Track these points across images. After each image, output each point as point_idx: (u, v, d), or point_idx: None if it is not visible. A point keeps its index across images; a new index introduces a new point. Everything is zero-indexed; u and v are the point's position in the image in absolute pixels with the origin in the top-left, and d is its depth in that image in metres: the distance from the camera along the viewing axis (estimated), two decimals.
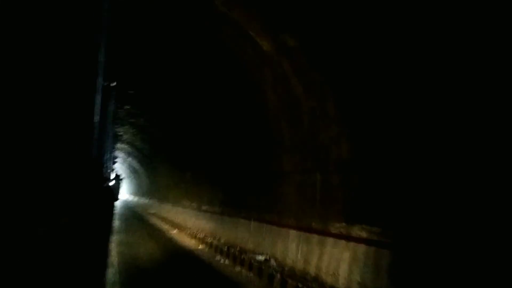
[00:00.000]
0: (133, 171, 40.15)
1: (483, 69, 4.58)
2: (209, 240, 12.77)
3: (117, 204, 38.43)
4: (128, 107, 18.71)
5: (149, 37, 11.31)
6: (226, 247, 11.22)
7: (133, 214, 29.50)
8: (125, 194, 57.00)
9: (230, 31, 8.60)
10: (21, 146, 0.95)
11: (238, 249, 10.78)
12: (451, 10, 4.72)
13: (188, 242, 13.90)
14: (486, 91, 4.56)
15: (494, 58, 4.51)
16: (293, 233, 8.67)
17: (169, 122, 18.53)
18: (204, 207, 16.32)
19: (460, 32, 4.72)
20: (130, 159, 35.36)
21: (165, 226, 20.11)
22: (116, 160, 36.17)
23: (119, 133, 25.48)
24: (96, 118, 2.17)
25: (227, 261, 10.07)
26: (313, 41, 6.91)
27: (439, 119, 5.12)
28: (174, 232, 17.23)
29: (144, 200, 38.34)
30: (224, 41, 9.21)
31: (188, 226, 17.47)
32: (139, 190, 42.36)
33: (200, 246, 12.65)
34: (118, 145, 30.05)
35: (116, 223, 19.17)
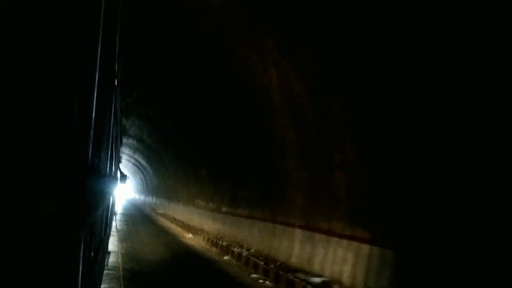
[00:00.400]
0: (140, 168, 37.85)
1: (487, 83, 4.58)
2: (235, 249, 10.42)
3: (122, 204, 36.17)
4: (135, 93, 16.34)
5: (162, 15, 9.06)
6: (261, 260, 8.87)
7: (141, 214, 27.25)
8: (131, 192, 55.22)
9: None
10: None
11: (278, 264, 8.43)
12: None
13: (209, 250, 11.56)
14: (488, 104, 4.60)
15: None
16: (366, 248, 6.30)
17: (181, 112, 16.16)
18: (224, 209, 13.97)
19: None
20: (136, 155, 33.04)
21: (177, 229, 17.80)
22: (121, 159, 33.95)
23: (125, 126, 23.14)
24: (92, 117, 1.76)
25: (268, 282, 7.72)
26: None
27: (438, 126, 5.20)
28: (189, 237, 14.91)
29: (151, 199, 36.10)
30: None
31: (205, 229, 15.14)
32: (146, 188, 40.15)
33: (226, 257, 10.30)
34: (123, 140, 27.77)
35: (121, 226, 16.88)
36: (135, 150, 30.94)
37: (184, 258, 10.24)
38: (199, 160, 17.29)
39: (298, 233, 8.41)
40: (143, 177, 39.82)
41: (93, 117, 1.77)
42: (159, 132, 21.45)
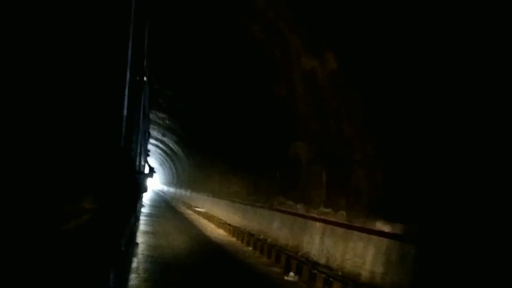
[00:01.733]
0: (169, 155, 30.76)
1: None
2: None
3: (149, 197, 29.06)
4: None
5: None
6: None
7: (174, 215, 19.92)
8: (158, 183, 49.01)
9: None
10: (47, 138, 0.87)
11: None
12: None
13: None
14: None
15: None
16: None
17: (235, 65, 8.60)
18: (378, 224, 6.39)
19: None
20: (166, 138, 25.78)
21: (248, 251, 10.38)
22: (149, 152, 26.95)
23: (153, 90, 15.68)
24: (124, 112, 1.96)
25: None
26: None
27: (456, 116, 4.92)
28: (292, 281, 7.44)
29: (185, 192, 29.07)
30: None
31: (322, 262, 7.65)
32: (177, 179, 33.11)
33: None
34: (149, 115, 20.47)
35: (145, 236, 9.51)
36: (165, 130, 23.65)
37: None
38: (287, 134, 9.76)
39: None
40: (173, 165, 32.74)
41: (125, 114, 1.83)
42: (201, 99, 14.04)
